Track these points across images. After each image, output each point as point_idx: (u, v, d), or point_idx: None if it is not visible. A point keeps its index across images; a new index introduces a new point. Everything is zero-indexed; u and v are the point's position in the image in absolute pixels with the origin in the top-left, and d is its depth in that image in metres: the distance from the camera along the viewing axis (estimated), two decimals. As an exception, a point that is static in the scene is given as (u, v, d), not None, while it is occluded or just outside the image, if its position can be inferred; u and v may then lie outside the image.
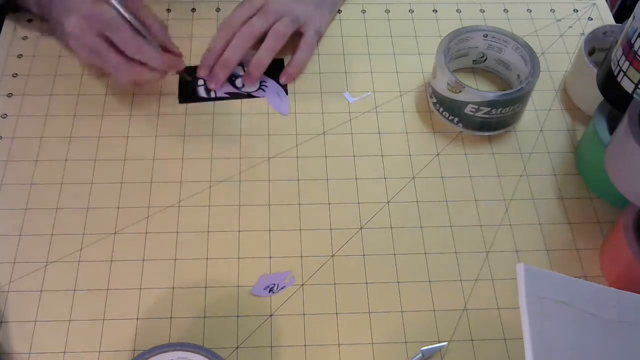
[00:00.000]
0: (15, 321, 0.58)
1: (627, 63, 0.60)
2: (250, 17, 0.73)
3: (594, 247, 0.64)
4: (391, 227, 0.65)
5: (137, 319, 0.59)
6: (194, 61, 0.75)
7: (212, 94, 0.74)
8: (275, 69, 0.74)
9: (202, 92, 0.74)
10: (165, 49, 0.68)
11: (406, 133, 0.72)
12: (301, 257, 0.63)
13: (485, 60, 0.76)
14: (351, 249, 0.63)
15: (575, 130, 0.73)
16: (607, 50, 0.72)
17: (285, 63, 0.76)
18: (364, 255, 0.63)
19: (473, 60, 0.76)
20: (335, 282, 0.61)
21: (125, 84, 0.69)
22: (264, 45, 0.72)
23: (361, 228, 0.65)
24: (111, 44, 0.64)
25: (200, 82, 0.74)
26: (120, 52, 0.64)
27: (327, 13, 0.79)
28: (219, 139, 0.70)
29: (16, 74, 0.74)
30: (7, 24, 0.78)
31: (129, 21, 0.64)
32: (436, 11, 0.83)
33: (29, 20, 0.78)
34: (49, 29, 0.77)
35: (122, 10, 0.64)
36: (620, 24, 0.72)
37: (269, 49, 0.72)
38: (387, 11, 0.83)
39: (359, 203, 0.66)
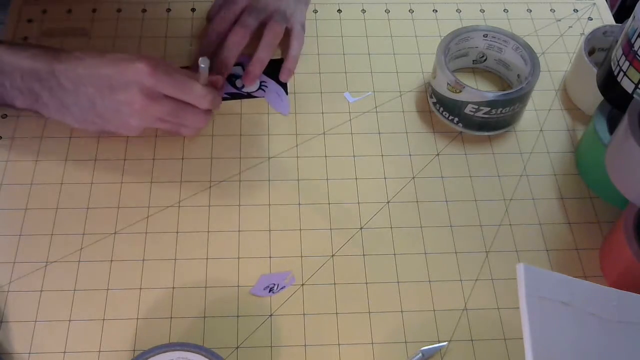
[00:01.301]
0: (15, 321, 0.58)
1: (627, 63, 0.60)
2: (237, 17, 0.73)
3: (594, 247, 0.64)
4: (391, 227, 0.65)
5: (137, 319, 0.59)
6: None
7: (212, 94, 0.74)
8: (274, 69, 0.74)
9: (202, 92, 0.74)
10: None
11: (406, 133, 0.72)
12: (301, 257, 0.63)
13: (485, 60, 0.76)
14: (351, 249, 0.63)
15: (575, 130, 0.73)
16: (607, 50, 0.72)
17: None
18: (364, 255, 0.63)
19: (473, 60, 0.76)
20: (335, 282, 0.61)
21: (197, 133, 0.68)
22: (262, 43, 0.72)
23: (361, 228, 0.65)
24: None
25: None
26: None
27: (304, 5, 0.79)
28: (219, 139, 0.70)
29: (16, 74, 0.74)
30: (8, 26, 0.78)
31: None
32: (436, 11, 0.83)
33: (29, 21, 0.78)
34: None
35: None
36: (620, 24, 0.72)
37: (267, 46, 0.72)
38: (387, 11, 0.83)
39: (359, 203, 0.66)
